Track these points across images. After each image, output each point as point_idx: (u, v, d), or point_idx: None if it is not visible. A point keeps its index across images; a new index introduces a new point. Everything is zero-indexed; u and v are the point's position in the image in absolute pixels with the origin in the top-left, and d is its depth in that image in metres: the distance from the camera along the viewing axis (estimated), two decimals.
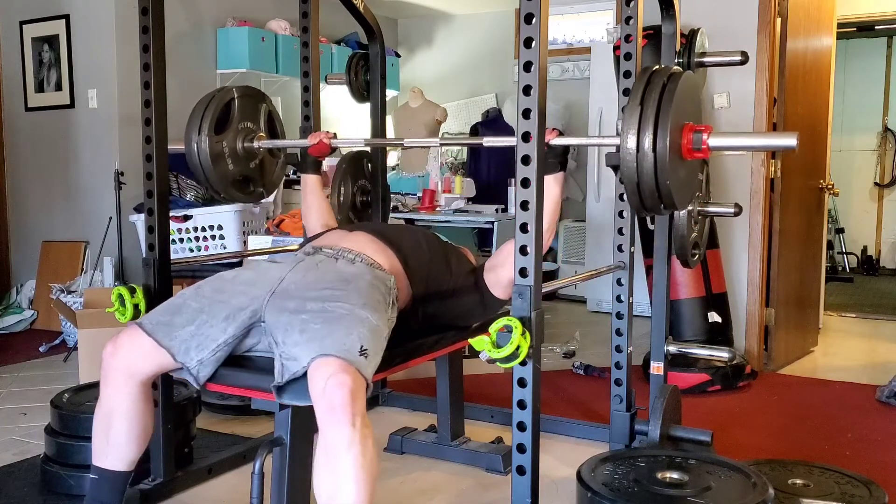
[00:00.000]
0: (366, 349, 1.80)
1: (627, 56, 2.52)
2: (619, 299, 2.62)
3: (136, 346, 1.93)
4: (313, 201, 2.67)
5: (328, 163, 3.01)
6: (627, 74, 2.52)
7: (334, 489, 1.69)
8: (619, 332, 2.63)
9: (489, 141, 2.34)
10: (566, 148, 2.13)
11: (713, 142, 1.75)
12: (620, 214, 2.62)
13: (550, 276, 3.90)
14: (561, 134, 2.03)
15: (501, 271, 2.28)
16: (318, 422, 1.72)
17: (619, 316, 2.63)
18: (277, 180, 2.77)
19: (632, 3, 2.50)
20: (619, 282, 2.62)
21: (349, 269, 2.08)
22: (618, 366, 2.65)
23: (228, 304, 1.97)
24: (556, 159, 2.13)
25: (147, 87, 2.25)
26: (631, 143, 1.69)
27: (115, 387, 1.94)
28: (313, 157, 2.64)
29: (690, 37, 2.64)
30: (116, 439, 1.96)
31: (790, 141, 1.73)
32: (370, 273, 2.08)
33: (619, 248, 2.63)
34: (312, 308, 1.89)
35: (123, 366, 1.93)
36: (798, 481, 2.23)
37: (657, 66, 1.76)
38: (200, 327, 1.93)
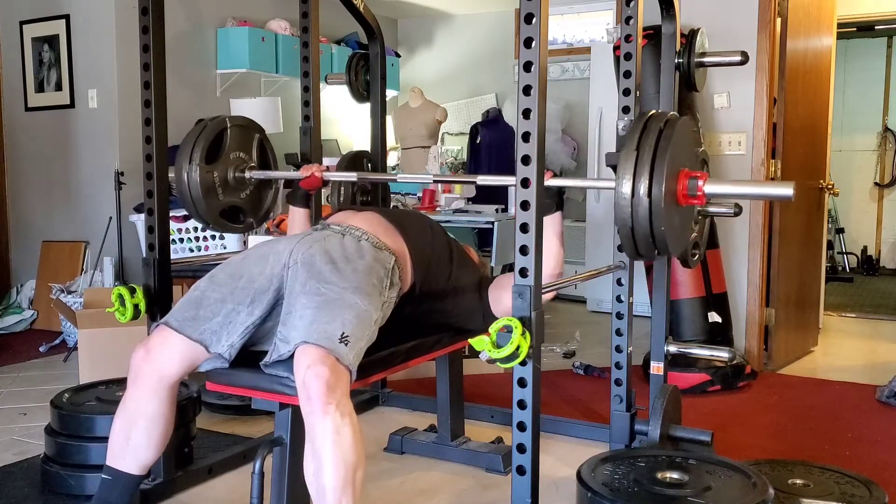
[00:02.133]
0: (347, 336, 1.82)
1: (627, 56, 2.51)
2: (619, 299, 2.62)
3: (168, 345, 1.94)
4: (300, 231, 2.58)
5: (328, 163, 3.01)
6: (627, 74, 2.51)
7: (315, 475, 1.74)
8: (619, 332, 2.63)
9: (483, 179, 2.37)
10: (561, 188, 2.16)
11: (709, 189, 1.75)
12: None
13: None
14: (556, 175, 2.05)
15: (505, 295, 2.25)
16: (301, 409, 1.76)
17: (619, 316, 2.63)
18: (268, 211, 2.74)
19: (632, 3, 2.49)
20: (619, 282, 2.62)
21: (353, 246, 2.09)
22: (618, 366, 2.65)
23: (251, 288, 1.98)
24: (552, 199, 2.17)
25: (147, 87, 2.25)
26: (626, 188, 1.68)
27: (145, 390, 1.94)
28: (304, 190, 2.58)
29: (690, 37, 2.64)
30: (138, 442, 1.96)
31: (787, 191, 1.71)
32: (372, 252, 2.10)
33: (619, 248, 2.63)
34: (310, 289, 1.91)
35: (156, 369, 1.94)
36: (798, 481, 2.23)
37: (654, 112, 1.74)
38: (228, 316, 1.96)
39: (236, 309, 1.96)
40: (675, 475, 1.99)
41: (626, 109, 2.50)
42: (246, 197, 2.62)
